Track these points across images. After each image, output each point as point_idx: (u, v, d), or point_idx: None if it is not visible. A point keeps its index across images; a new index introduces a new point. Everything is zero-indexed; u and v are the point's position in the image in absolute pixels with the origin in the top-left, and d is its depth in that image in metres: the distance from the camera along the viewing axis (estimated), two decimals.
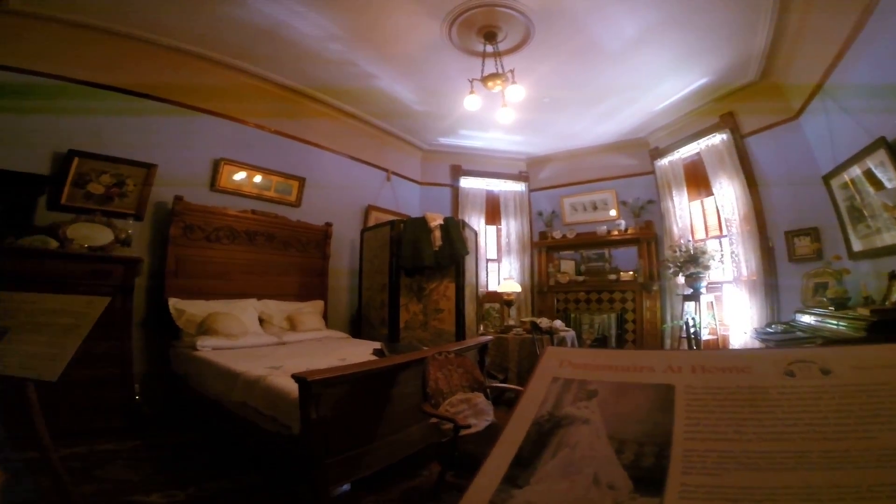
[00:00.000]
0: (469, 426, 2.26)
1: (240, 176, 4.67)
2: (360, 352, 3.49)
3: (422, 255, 4.61)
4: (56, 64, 3.66)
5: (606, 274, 6.07)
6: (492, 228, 6.74)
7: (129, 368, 3.39)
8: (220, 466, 2.68)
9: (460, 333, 4.64)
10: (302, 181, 5.13)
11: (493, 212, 6.71)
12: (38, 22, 3.56)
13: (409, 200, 6.39)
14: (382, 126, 5.99)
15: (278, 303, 4.50)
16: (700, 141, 5.36)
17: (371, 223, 5.60)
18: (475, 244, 5.29)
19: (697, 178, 5.53)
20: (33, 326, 1.69)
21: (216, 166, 4.49)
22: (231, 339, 3.65)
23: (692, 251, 4.95)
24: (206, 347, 3.40)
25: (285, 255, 4.73)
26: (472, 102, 4.17)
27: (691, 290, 4.93)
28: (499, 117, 4.49)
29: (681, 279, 5.13)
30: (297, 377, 2.01)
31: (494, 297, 5.85)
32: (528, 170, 6.84)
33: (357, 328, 5.20)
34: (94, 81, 3.82)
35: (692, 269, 4.92)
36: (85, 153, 3.71)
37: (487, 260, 6.45)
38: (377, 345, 3.84)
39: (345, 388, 2.23)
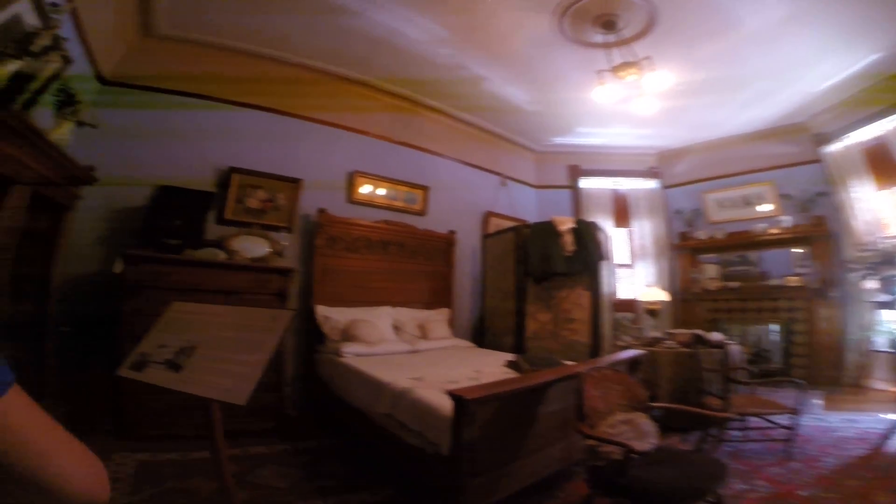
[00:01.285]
0: (646, 451, 2.00)
1: (371, 187, 4.79)
2: (492, 363, 3.36)
3: (552, 261, 4.32)
4: (214, 86, 4.04)
5: (754, 279, 5.24)
6: (622, 231, 6.17)
7: (283, 372, 3.55)
8: (359, 476, 2.66)
9: (596, 345, 4.26)
10: (426, 190, 5.14)
11: (622, 213, 6.15)
12: (190, 46, 3.94)
13: (525, 205, 6.15)
14: (493, 129, 5.85)
15: (410, 310, 4.51)
16: (883, 121, 4.42)
17: (491, 229, 5.44)
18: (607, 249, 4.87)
19: (885, 164, 4.54)
20: (221, 342, 1.66)
21: (351, 179, 4.65)
22: (370, 345, 3.71)
23: (888, 250, 4.04)
24: (350, 354, 3.48)
25: (414, 264, 4.75)
26: (603, 94, 3.85)
27: (891, 297, 4.02)
28: (637, 108, 4.09)
29: (871, 283, 4.22)
30: (454, 395, 1.89)
31: (626, 305, 5.35)
32: (659, 165, 6.21)
33: (479, 336, 5.04)
34: (248, 102, 4.18)
35: (888, 272, 4.02)
36: (242, 170, 4.02)
37: (618, 265, 5.92)
38: (509, 356, 3.62)
39: (495, 405, 2.11)
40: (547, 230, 4.49)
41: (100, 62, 3.49)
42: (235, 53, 4.07)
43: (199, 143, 3.92)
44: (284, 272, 3.62)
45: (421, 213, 5.06)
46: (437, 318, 4.58)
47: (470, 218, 5.53)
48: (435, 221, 5.08)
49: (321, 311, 3.96)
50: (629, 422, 2.64)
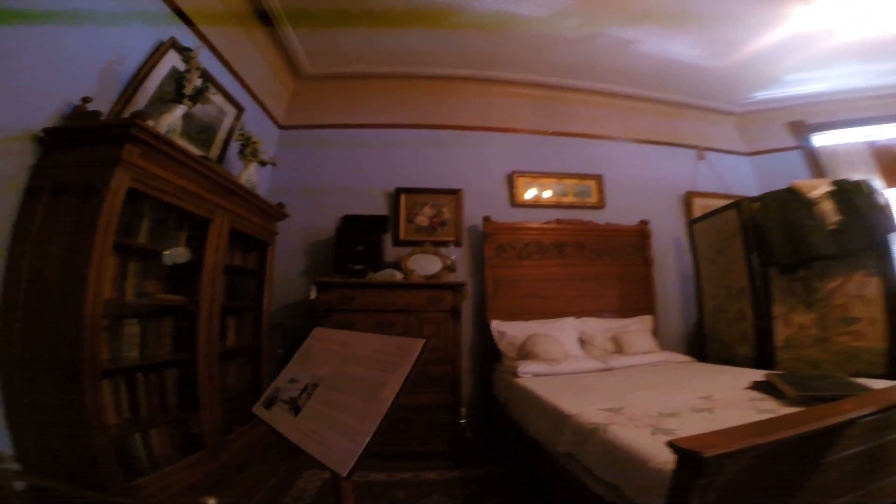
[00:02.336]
0: None
1: (534, 186, 4.27)
2: (727, 385, 2.35)
3: (807, 239, 3.03)
4: (368, 114, 4.23)
5: None
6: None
7: (459, 392, 3.26)
8: None
9: None
10: (598, 179, 4.37)
11: (891, 169, 4.20)
12: (333, 81, 4.18)
13: (737, 177, 4.72)
14: (667, 98, 4.66)
15: (598, 320, 3.74)
16: None
17: (697, 213, 4.28)
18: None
19: None
20: (343, 380, 1.31)
21: (510, 180, 4.24)
22: (552, 363, 3.09)
23: None
24: (527, 374, 2.95)
25: (599, 265, 3.97)
26: (812, 17, 2.57)
27: None
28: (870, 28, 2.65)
29: None
30: (681, 449, 1.09)
31: None
32: None
33: (698, 348, 3.88)
34: (400, 123, 4.26)
35: None
36: (408, 189, 4.05)
37: None
38: (753, 373, 2.56)
39: (746, 459, 1.18)
40: (789, 200, 3.21)
41: (272, 110, 3.97)
42: (376, 78, 4.19)
43: (368, 170, 4.10)
44: (456, 287, 3.35)
45: (598, 206, 4.28)
46: (635, 328, 3.69)
47: (663, 203, 4.46)
48: (618, 213, 4.22)
49: (496, 326, 3.57)
50: None
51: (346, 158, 4.11)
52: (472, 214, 4.02)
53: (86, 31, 2.03)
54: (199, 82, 2.27)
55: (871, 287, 2.91)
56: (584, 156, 4.44)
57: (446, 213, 4.00)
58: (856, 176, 3.82)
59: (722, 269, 3.67)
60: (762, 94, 4.62)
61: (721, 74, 4.22)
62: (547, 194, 4.26)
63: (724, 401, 2.01)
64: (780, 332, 3.25)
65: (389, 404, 1.08)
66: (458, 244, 3.92)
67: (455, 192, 4.05)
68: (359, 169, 4.10)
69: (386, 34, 3.61)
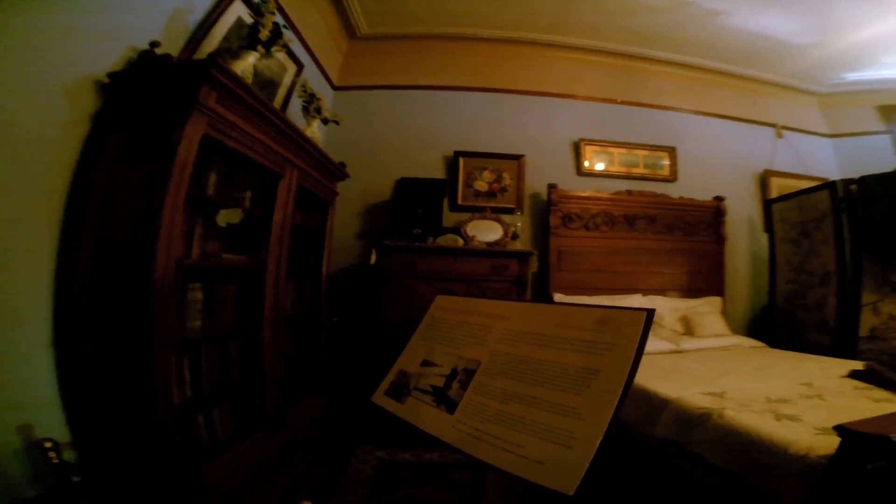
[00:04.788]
0: None
1: (603, 154, 3.78)
2: (818, 372, 2.12)
3: None
4: (428, 76, 3.79)
5: None
6: None
7: None
8: None
9: None
10: (671, 151, 3.86)
11: None
12: (390, 42, 3.77)
13: (818, 159, 4.14)
14: (750, 74, 4.07)
15: (667, 299, 3.35)
16: None
17: (774, 193, 3.77)
18: None
19: None
20: (515, 365, 0.90)
21: (577, 148, 3.76)
22: None
23: None
24: None
25: (670, 241, 3.53)
26: None
27: None
28: None
29: None
30: (857, 433, 1.02)
31: None
32: None
33: (766, 332, 3.43)
34: (462, 85, 3.81)
35: None
36: (467, 152, 3.66)
37: None
38: (842, 363, 2.28)
39: None
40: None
41: (327, 69, 3.56)
42: (435, 39, 3.75)
43: (424, 132, 3.70)
44: (523, 256, 2.99)
45: (670, 179, 3.78)
46: (706, 309, 3.30)
47: (738, 180, 3.91)
48: (690, 187, 3.73)
49: (559, 300, 3.21)
50: None
51: (401, 120, 3.70)
52: (534, 182, 3.59)
53: None
54: (270, 29, 1.91)
55: None
56: (657, 127, 3.91)
57: (507, 179, 3.58)
58: None
59: (805, 253, 3.22)
60: (852, 76, 4.00)
61: (810, 53, 3.69)
62: (616, 165, 3.77)
63: (828, 389, 1.80)
64: (866, 322, 2.85)
65: (619, 396, 0.74)
66: (519, 211, 3.52)
67: (517, 158, 3.61)
68: (415, 131, 3.68)
69: None
